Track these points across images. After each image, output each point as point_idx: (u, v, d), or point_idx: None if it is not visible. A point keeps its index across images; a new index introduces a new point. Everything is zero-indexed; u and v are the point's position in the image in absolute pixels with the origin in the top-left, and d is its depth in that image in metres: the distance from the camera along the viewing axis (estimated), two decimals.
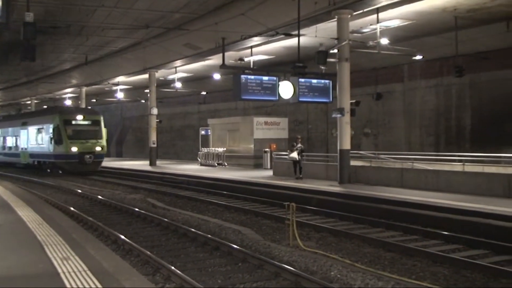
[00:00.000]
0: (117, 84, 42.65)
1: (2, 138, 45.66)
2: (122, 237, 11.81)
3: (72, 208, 16.73)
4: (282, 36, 21.59)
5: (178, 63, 32.88)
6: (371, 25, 22.04)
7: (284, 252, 10.53)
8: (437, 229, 12.71)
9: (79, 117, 34.85)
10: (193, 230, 12.63)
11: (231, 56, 27.80)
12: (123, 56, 34.05)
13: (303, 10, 18.80)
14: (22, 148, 39.97)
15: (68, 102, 54.22)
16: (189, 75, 38.31)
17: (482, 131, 25.52)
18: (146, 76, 37.24)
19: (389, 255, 10.74)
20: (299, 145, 23.01)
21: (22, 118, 42.55)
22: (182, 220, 14.78)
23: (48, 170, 35.67)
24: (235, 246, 10.75)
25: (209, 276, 9.02)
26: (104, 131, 35.60)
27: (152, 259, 9.76)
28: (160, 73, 36.96)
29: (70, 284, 6.02)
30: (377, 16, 20.33)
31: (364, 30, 23.30)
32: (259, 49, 27.54)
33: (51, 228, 9.96)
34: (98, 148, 34.21)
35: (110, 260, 7.54)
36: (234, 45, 25.49)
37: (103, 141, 35.05)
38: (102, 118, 36.19)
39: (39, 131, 36.84)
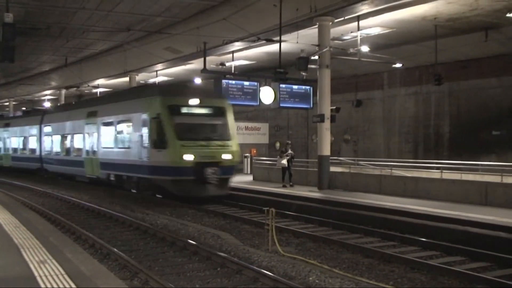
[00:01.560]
0: (97, 86, 42.31)
1: (54, 137, 31.08)
2: (100, 240, 11.72)
3: (49, 211, 16.56)
4: (264, 41, 21.64)
5: (159, 66, 32.75)
6: (352, 32, 22.21)
7: (263, 257, 10.54)
8: (414, 236, 12.82)
9: (194, 101, 19.99)
10: (171, 234, 12.58)
11: (212, 60, 27.78)
12: (103, 58, 33.83)
13: (285, 16, 18.88)
14: (87, 153, 25.70)
15: (47, 104, 53.48)
16: (170, 79, 38.19)
17: (460, 139, 25.83)
18: (126, 79, 36.98)
19: (367, 261, 10.78)
20: (289, 151, 21.97)
21: (90, 106, 27.24)
22: (161, 224, 14.71)
23: (133, 191, 22.23)
24: (214, 251, 10.73)
25: (187, 281, 8.99)
26: (234, 125, 21.17)
27: (130, 263, 9.69)
28: (140, 77, 36.75)
29: (46, 287, 5.96)
30: (358, 23, 20.50)
31: (345, 37, 23.47)
32: (241, 54, 27.58)
33: (28, 231, 9.86)
34: (226, 156, 19.71)
35: (88, 264, 7.49)
36: (215, 50, 25.49)
37: (235, 143, 20.40)
38: (229, 104, 21.06)
39: (120, 125, 22.70)
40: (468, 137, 25.24)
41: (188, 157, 18.87)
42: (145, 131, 20.14)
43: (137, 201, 20.50)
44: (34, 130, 34.44)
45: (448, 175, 18.98)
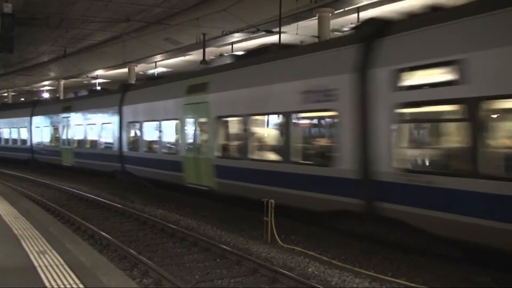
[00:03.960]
0: (95, 77, 42.28)
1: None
2: (100, 231, 11.75)
3: (49, 202, 16.59)
4: (263, 33, 21.61)
5: (158, 57, 32.72)
6: (351, 24, 22.12)
7: (262, 248, 10.57)
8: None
9: None
10: (171, 225, 12.60)
11: (211, 52, 27.74)
12: (102, 49, 33.77)
13: (285, 7, 18.84)
14: None
15: (46, 95, 53.46)
16: (169, 70, 38.13)
17: None
18: (125, 70, 36.96)
19: (367, 252, 10.76)
20: None
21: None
22: (160, 216, 14.72)
23: None
24: (213, 242, 10.75)
25: (187, 272, 9.01)
26: None
27: (130, 254, 9.71)
28: (139, 68, 36.73)
29: (47, 277, 5.97)
30: (358, 15, 20.46)
31: (345, 29, 23.39)
32: (240, 46, 27.50)
33: (27, 221, 9.85)
34: None
35: (88, 254, 7.49)
36: (215, 41, 25.46)
37: None
38: None
39: None
40: None
41: None
42: None
43: (137, 192, 20.48)
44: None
45: None
